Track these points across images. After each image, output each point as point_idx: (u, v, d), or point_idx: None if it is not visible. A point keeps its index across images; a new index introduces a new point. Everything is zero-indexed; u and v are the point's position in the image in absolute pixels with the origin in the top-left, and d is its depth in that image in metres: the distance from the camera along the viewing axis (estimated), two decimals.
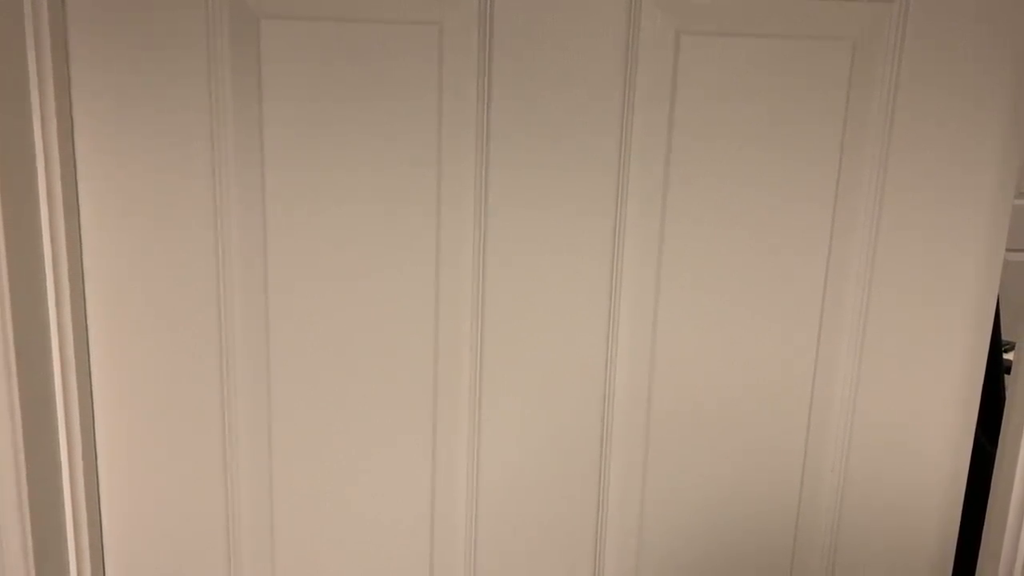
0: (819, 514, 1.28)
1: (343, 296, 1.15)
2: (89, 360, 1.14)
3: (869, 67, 1.13)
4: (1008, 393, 1.23)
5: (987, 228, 1.20)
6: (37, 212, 1.05)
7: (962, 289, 1.21)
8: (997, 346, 1.35)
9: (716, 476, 1.25)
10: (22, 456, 1.04)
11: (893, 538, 1.30)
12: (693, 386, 1.22)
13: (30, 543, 1.06)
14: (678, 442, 1.24)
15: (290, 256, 1.13)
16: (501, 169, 1.12)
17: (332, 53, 1.07)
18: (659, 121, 1.13)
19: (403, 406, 1.20)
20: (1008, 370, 1.31)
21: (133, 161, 1.09)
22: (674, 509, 1.27)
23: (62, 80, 1.05)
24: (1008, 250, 1.23)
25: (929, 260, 1.20)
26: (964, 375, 1.24)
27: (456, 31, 1.08)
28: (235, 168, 1.10)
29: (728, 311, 1.20)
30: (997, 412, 1.30)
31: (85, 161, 1.08)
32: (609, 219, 1.15)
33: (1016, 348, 1.21)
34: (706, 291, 1.19)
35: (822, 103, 1.14)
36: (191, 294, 1.13)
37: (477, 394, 1.20)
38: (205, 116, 1.08)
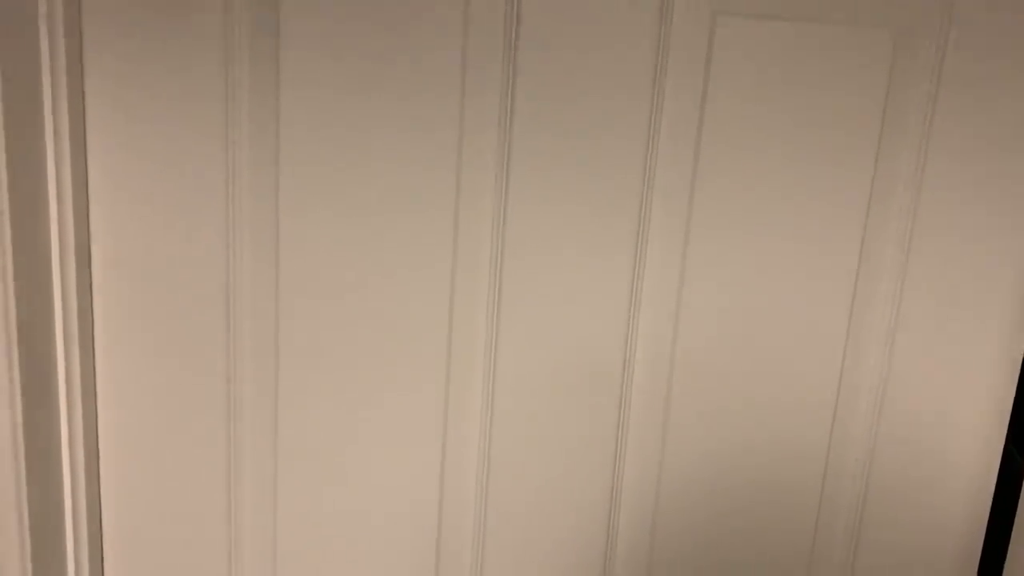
0: (841, 506, 1.24)
1: (356, 286, 1.11)
2: (94, 347, 1.11)
3: (911, 56, 1.08)
4: None
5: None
6: (46, 202, 1.01)
7: (999, 288, 1.16)
8: None
9: (737, 467, 1.21)
10: (22, 450, 1.00)
11: (917, 534, 1.25)
12: (713, 386, 1.18)
13: (28, 541, 1.03)
14: (697, 440, 1.20)
15: (303, 248, 1.09)
16: (523, 157, 1.08)
17: (351, 41, 1.03)
18: (690, 107, 1.08)
19: (414, 398, 1.16)
20: None
21: (145, 153, 1.05)
22: (691, 499, 1.22)
23: (75, 72, 1.01)
24: None
25: (966, 259, 1.15)
26: (998, 373, 1.19)
27: (481, 15, 1.03)
28: (248, 159, 1.06)
29: (754, 309, 1.15)
30: None
31: (96, 153, 1.04)
32: (634, 210, 1.11)
33: None
34: (733, 292, 1.14)
35: (861, 92, 1.09)
36: (201, 288, 1.09)
37: (490, 387, 1.16)
38: (220, 108, 1.04)
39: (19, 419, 0.99)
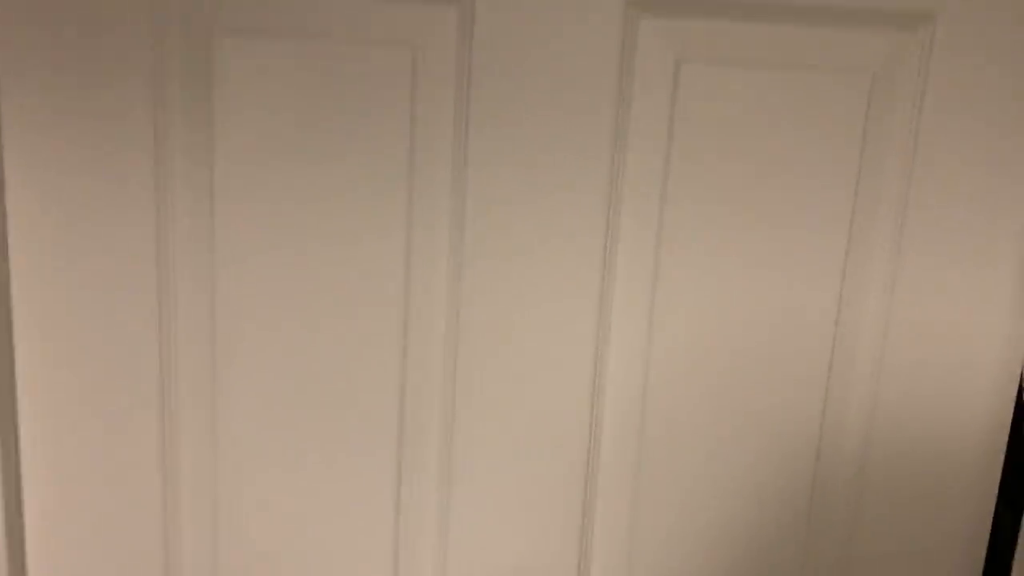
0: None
1: (298, 337, 1.05)
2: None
3: (889, 103, 1.03)
4: None
5: (1019, 289, 1.09)
6: None
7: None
8: None
9: (718, 530, 1.15)
10: None
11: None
12: (688, 446, 1.12)
13: None
14: (671, 506, 1.14)
15: (240, 294, 1.03)
16: (478, 211, 1.02)
17: (292, 75, 0.97)
18: (654, 160, 1.02)
19: (365, 467, 1.10)
20: None
21: (68, 198, 0.99)
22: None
23: None
24: None
25: (951, 328, 1.09)
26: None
27: (432, 56, 0.98)
28: (182, 201, 1.00)
29: (727, 366, 1.09)
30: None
31: (15, 198, 0.98)
32: (596, 272, 1.05)
33: None
34: (704, 352, 1.09)
35: (836, 141, 1.03)
36: (130, 338, 1.03)
37: (447, 464, 1.10)
38: (149, 145, 0.97)
39: None
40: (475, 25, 0.97)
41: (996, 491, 1.18)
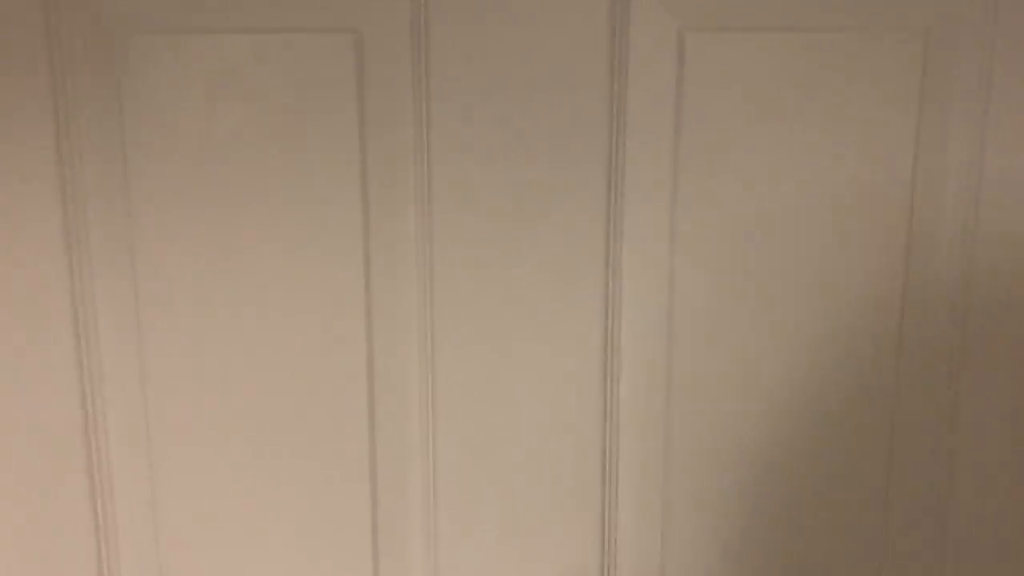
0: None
1: (238, 391, 0.90)
2: None
3: (949, 67, 0.85)
4: None
5: None
6: None
7: None
8: None
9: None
10: None
11: None
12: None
13: None
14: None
15: (169, 351, 0.89)
16: (446, 228, 0.87)
17: (217, 75, 0.82)
18: (659, 149, 0.85)
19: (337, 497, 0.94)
20: None
21: None
22: None
23: None
24: None
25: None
26: None
27: (380, 42, 0.82)
28: (97, 238, 0.86)
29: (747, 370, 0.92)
30: None
31: None
32: (599, 287, 0.89)
33: None
34: (724, 363, 0.92)
35: (886, 115, 0.85)
36: (49, 398, 0.88)
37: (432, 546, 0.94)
38: (55, 178, 0.83)
39: None
40: (430, 6, 0.81)
41: None
